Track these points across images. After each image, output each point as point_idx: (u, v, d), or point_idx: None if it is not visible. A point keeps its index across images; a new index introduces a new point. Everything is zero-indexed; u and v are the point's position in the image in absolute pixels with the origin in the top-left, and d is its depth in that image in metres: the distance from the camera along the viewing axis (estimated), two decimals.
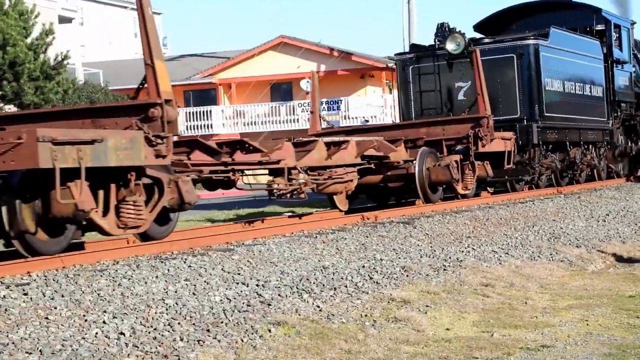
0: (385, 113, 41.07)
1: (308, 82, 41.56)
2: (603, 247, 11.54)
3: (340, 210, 11.86)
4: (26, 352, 4.94)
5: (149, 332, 5.55)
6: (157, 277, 6.77)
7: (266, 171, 10.67)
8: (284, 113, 42.90)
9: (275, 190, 10.43)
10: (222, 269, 7.27)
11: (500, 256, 9.84)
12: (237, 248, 8.26)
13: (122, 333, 5.44)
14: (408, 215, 11.79)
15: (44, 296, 5.95)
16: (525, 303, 7.85)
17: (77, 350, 5.08)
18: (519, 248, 10.49)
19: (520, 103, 15.85)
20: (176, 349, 5.37)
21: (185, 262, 7.34)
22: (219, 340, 5.62)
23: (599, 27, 19.07)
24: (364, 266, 8.19)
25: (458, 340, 6.40)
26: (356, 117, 41.03)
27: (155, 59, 8.12)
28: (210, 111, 43.66)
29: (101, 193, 7.62)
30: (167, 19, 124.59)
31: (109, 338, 5.35)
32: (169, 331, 5.62)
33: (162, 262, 7.31)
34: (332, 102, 41.88)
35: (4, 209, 7.19)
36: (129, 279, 6.61)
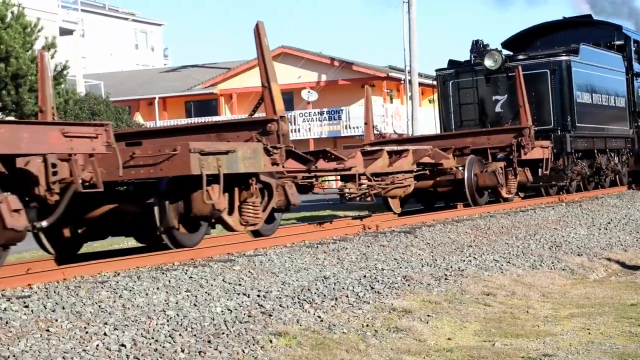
0: (386, 122, 41.07)
1: (309, 92, 41.63)
2: (605, 255, 11.53)
3: (395, 213, 13.28)
4: None
5: (150, 344, 5.55)
6: (158, 288, 6.77)
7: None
8: None
9: (347, 194, 11.86)
10: (223, 280, 7.27)
11: (502, 265, 9.83)
12: (238, 259, 8.26)
13: (123, 345, 5.44)
14: (409, 225, 11.79)
15: (45, 308, 5.95)
16: (527, 312, 7.84)
17: None
18: (521, 257, 10.48)
19: (553, 114, 17.32)
20: None
21: (186, 273, 7.34)
22: (220, 352, 5.62)
23: (619, 42, 20.37)
24: (365, 276, 8.19)
25: (460, 349, 6.39)
26: (357, 127, 41.04)
27: (271, 82, 9.46)
28: None
29: (226, 195, 8.95)
30: (168, 30, 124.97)
31: (110, 350, 5.34)
32: (170, 342, 5.62)
33: (163, 273, 7.32)
34: (333, 112, 41.92)
35: (156, 209, 8.54)
36: (130, 290, 6.61)
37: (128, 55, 61.93)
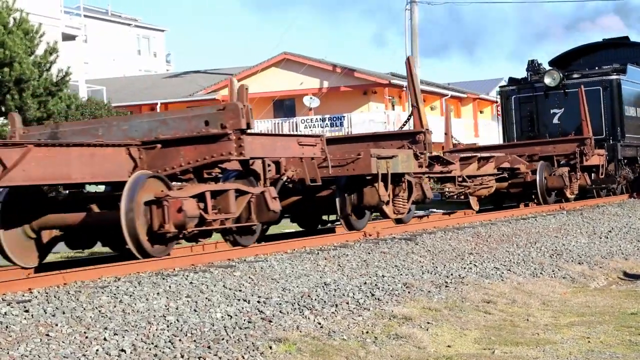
0: (387, 129, 41.08)
1: (311, 98, 41.64)
2: (605, 263, 11.52)
3: (474, 210, 15.40)
4: None
5: (150, 349, 5.55)
6: (158, 293, 6.78)
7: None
8: (286, 129, 42.92)
9: (447, 193, 14.23)
10: (223, 286, 7.27)
11: (502, 273, 9.82)
12: (238, 264, 8.26)
13: (123, 350, 5.44)
14: (410, 232, 11.79)
15: (45, 313, 5.96)
16: (527, 320, 7.83)
17: None
18: (521, 265, 10.48)
19: (605, 126, 19.88)
20: None
21: (186, 279, 7.34)
22: (219, 357, 5.62)
23: None
24: (365, 283, 8.18)
25: (459, 357, 6.39)
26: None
27: (419, 104, 12.65)
28: None
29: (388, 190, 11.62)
30: (170, 36, 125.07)
31: (109, 355, 5.34)
32: (169, 348, 5.62)
33: (163, 278, 7.32)
34: (335, 118, 41.94)
35: (337, 200, 11.14)
36: (131, 295, 6.61)
37: (130, 61, 62.00)
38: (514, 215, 14.90)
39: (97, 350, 5.39)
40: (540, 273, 10.26)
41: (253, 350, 5.85)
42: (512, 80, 21.19)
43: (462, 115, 52.07)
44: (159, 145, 8.72)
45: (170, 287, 7.02)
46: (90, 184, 8.87)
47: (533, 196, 17.00)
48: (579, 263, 11.21)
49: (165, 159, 8.74)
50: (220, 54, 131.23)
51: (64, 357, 5.19)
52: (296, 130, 42.53)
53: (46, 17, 32.15)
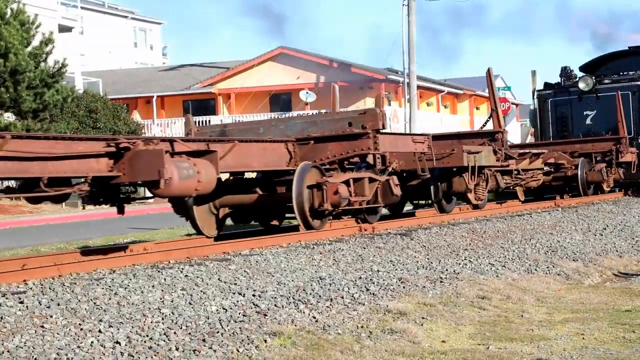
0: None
1: (307, 93, 41.61)
2: (600, 261, 11.54)
3: (520, 200, 17.35)
4: None
5: (145, 342, 5.55)
6: (153, 286, 6.77)
7: None
8: None
9: (503, 184, 15.59)
10: (218, 279, 7.27)
11: (497, 269, 9.84)
12: (234, 258, 8.26)
13: (117, 342, 5.44)
14: (405, 227, 11.80)
15: (40, 304, 5.95)
16: (522, 316, 7.84)
17: (72, 359, 5.07)
18: (516, 261, 10.50)
19: (633, 126, 21.58)
20: (172, 359, 5.37)
21: (182, 272, 7.34)
22: (214, 350, 5.62)
23: None
24: (360, 277, 8.19)
25: (454, 352, 6.40)
26: None
27: (498, 108, 15.51)
28: (210, 121, 43.56)
29: (472, 179, 13.86)
30: (167, 28, 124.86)
31: (104, 347, 5.34)
32: (164, 341, 5.62)
33: (158, 271, 7.31)
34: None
35: (432, 187, 13.57)
36: (126, 288, 6.61)
37: (127, 53, 61.89)
38: (509, 212, 14.92)
39: (92, 342, 5.38)
40: (535, 269, 10.28)
41: (248, 344, 5.85)
42: (547, 85, 23.22)
43: (458, 111, 52.09)
44: (311, 142, 10.85)
45: (165, 279, 7.02)
46: (261, 172, 11.04)
47: (569, 188, 19.06)
48: (574, 260, 11.23)
49: (316, 152, 10.87)
50: (217, 48, 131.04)
51: (59, 348, 5.19)
52: None
53: (43, 8, 32.06)
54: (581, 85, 22.20)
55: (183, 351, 5.50)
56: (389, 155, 11.24)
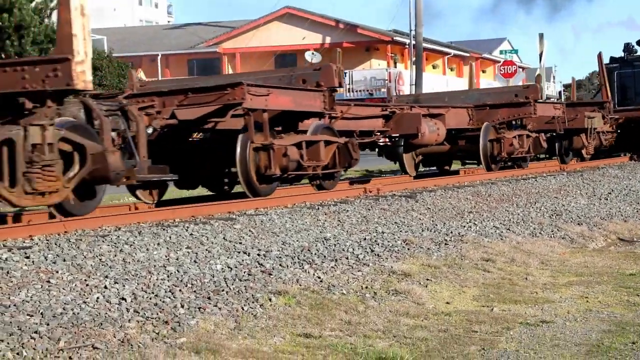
0: (388, 86, 40.87)
1: (313, 54, 41.37)
2: (604, 225, 11.53)
3: (586, 157, 19.35)
4: (27, 315, 4.96)
5: (150, 298, 5.56)
6: (158, 244, 6.78)
7: None
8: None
9: (605, 142, 18.92)
10: (223, 238, 7.28)
11: (502, 232, 9.84)
12: (239, 217, 8.26)
13: (123, 298, 5.46)
14: (410, 189, 11.79)
15: (46, 260, 5.96)
16: (526, 279, 7.86)
17: (78, 314, 5.09)
18: (521, 224, 10.49)
19: None
20: (177, 316, 5.39)
21: (187, 230, 7.34)
22: (219, 308, 5.64)
23: None
24: (365, 238, 8.19)
25: (458, 314, 6.42)
26: (360, 90, 40.86)
27: (606, 82, 20.26)
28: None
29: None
30: None
31: (110, 303, 5.36)
32: (170, 298, 5.64)
33: (164, 229, 7.32)
34: None
35: (557, 144, 17.87)
36: (131, 245, 6.62)
37: (131, 11, 61.50)
38: (514, 176, 14.89)
39: (98, 297, 5.40)
40: (540, 233, 10.28)
41: (253, 302, 5.87)
42: (613, 59, 26.12)
43: (464, 74, 51.83)
44: (487, 108, 15.23)
45: (170, 237, 7.02)
46: (452, 129, 14.75)
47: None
48: (578, 224, 11.23)
49: (489, 115, 15.14)
50: (222, 7, 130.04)
51: (65, 303, 5.20)
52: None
53: None
54: None
55: (188, 308, 5.52)
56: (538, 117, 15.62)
